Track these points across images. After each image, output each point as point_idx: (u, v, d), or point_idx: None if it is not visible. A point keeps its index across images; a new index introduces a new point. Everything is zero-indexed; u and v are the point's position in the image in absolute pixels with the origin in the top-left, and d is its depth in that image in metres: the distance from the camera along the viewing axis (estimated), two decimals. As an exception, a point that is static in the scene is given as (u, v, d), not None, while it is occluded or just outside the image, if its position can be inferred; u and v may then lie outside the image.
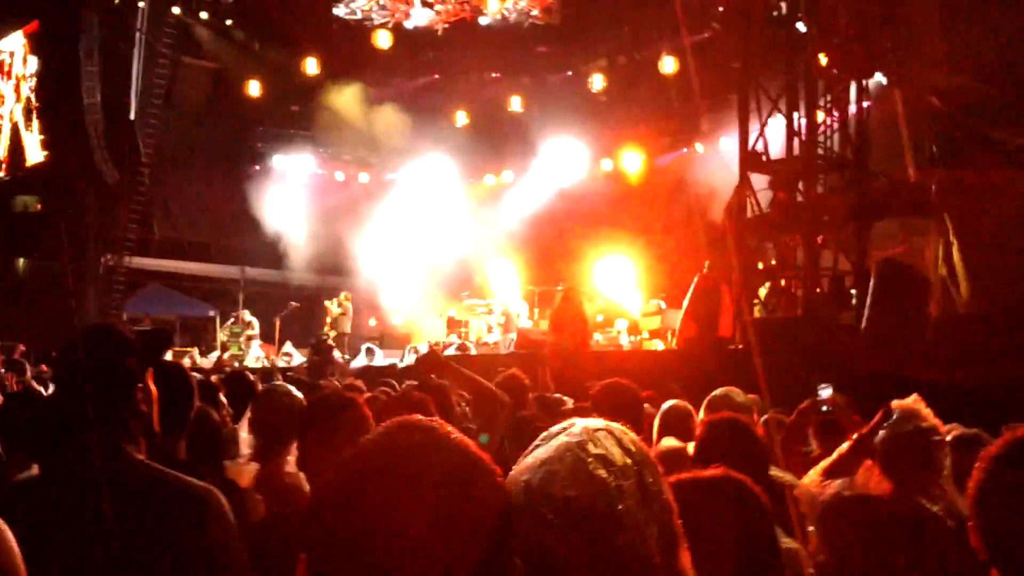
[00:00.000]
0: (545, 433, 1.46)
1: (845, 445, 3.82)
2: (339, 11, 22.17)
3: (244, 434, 3.69)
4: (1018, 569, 1.82)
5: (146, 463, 2.26)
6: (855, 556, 3.20)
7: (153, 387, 2.38)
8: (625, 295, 18.39)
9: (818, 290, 13.23)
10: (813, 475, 3.67)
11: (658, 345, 15.56)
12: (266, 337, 20.03)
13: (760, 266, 14.38)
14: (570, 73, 22.38)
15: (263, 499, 3.24)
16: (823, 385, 4.35)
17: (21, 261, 24.13)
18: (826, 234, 13.79)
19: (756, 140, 14.30)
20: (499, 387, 5.43)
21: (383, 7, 22.01)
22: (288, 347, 19.55)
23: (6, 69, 23.77)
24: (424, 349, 18.14)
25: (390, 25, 21.92)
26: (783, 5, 14.77)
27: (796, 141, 13.85)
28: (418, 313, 21.15)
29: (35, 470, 2.65)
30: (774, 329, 11.91)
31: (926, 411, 3.38)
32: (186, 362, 15.31)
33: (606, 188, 21.45)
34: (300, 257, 22.30)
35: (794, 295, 13.36)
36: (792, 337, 10.93)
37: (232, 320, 20.30)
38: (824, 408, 4.27)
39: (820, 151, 13.83)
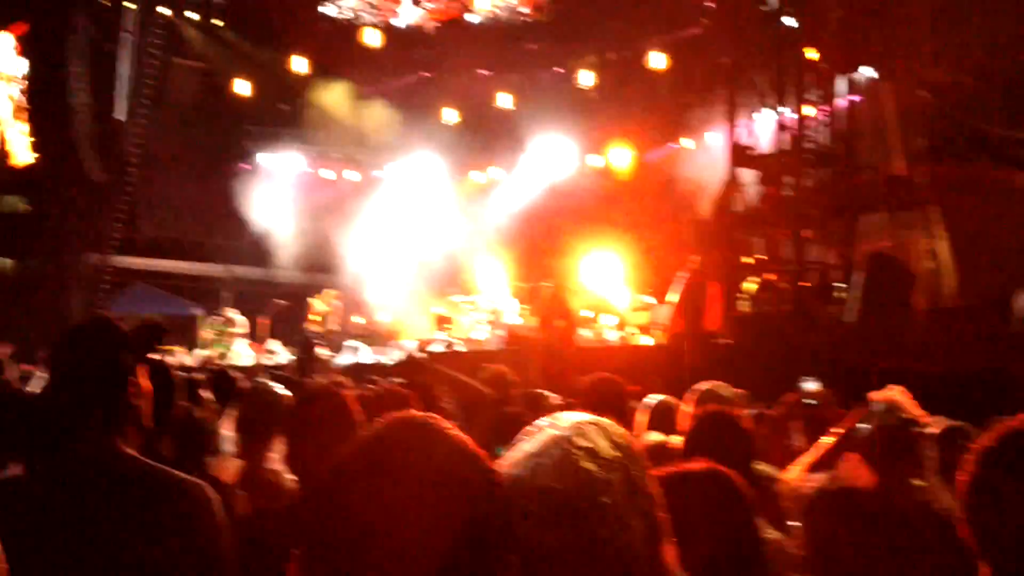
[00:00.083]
0: (531, 427, 1.46)
1: (828, 440, 3.82)
2: (328, 9, 22.12)
3: (227, 431, 3.69)
4: (1010, 562, 1.81)
5: (137, 458, 2.27)
6: (839, 550, 3.20)
7: (146, 382, 2.39)
8: (612, 291, 18.39)
9: (805, 284, 13.28)
10: (796, 470, 3.67)
11: (646, 340, 15.58)
12: (252, 335, 20.00)
13: (748, 260, 14.42)
14: (560, 70, 22.37)
15: (246, 495, 3.24)
16: (807, 378, 4.35)
17: (8, 262, 24.01)
18: (813, 228, 13.84)
19: (745, 135, 14.34)
20: (485, 383, 5.44)
21: (372, 5, 21.98)
22: (274, 345, 19.51)
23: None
24: (411, 346, 18.16)
25: (379, 23, 21.89)
26: (772, -1, 14.79)
27: (785, 135, 13.89)
28: (405, 310, 21.12)
29: (14, 469, 2.64)
30: (761, 323, 11.95)
31: (909, 403, 3.39)
32: (171, 360, 15.27)
33: (595, 184, 21.45)
34: (287, 255, 22.27)
35: (781, 290, 13.39)
36: (779, 331, 10.96)
37: (218, 318, 20.26)
38: (808, 401, 4.28)
39: (809, 145, 13.86)
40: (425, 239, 21.69)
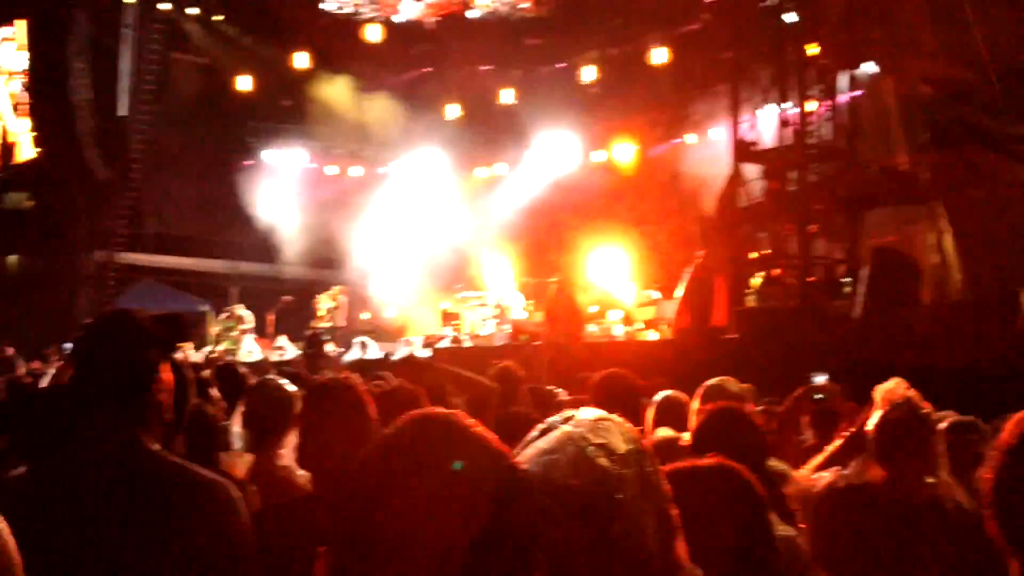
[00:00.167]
0: (544, 424, 1.46)
1: (837, 443, 3.83)
2: (329, 5, 22.10)
3: (236, 428, 3.69)
4: None
5: (162, 454, 2.26)
6: (849, 546, 3.21)
7: (168, 377, 2.36)
8: (619, 286, 18.40)
9: (811, 279, 13.28)
10: (805, 472, 3.67)
11: (652, 336, 15.58)
12: (259, 331, 20.00)
13: (753, 256, 14.42)
14: (561, 65, 22.33)
15: (257, 491, 3.25)
16: (816, 373, 4.35)
17: (12, 258, 24.05)
18: (819, 223, 13.84)
19: (748, 130, 14.33)
20: (492, 379, 5.45)
21: (373, 0, 21.95)
22: (282, 341, 19.52)
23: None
24: (418, 342, 18.17)
25: (380, 18, 21.86)
26: (774, -6, 14.77)
27: (788, 130, 13.88)
28: (411, 306, 21.14)
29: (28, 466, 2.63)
30: (768, 318, 11.95)
31: (917, 397, 3.39)
32: (179, 357, 15.27)
33: (599, 179, 21.43)
34: (293, 251, 22.27)
35: (788, 284, 13.39)
36: (786, 326, 10.96)
37: (225, 315, 20.26)
38: (818, 396, 4.27)
39: (812, 140, 13.86)
40: (431, 235, 21.69)
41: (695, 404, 4.27)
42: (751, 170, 14.52)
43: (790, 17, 14.38)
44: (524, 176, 22.59)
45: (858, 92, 14.33)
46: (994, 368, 8.27)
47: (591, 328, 15.82)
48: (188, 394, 3.05)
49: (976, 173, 12.56)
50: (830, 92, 14.02)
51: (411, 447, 1.11)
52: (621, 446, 1.39)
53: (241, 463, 3.37)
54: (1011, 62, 12.53)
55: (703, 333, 12.18)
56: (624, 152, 21.47)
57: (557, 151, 21.91)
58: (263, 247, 22.65)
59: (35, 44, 22.53)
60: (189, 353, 17.69)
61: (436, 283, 20.90)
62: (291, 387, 3.77)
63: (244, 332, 19.65)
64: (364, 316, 21.47)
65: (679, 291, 13.06)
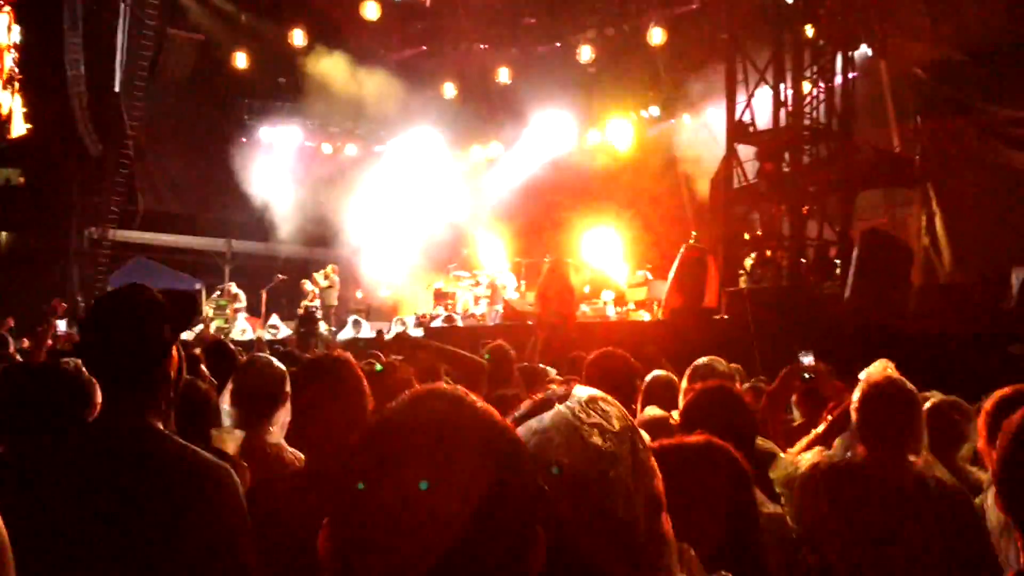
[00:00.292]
0: (535, 401, 1.47)
1: (821, 427, 3.87)
2: (325, -19, 21.96)
3: (225, 405, 3.68)
4: None
5: (166, 435, 2.21)
6: (834, 525, 3.25)
7: (176, 355, 2.31)
8: (612, 266, 18.44)
9: (803, 260, 13.31)
10: (792, 452, 3.71)
11: (644, 316, 15.62)
12: (252, 310, 20.00)
13: (746, 236, 14.44)
14: (558, 44, 22.27)
15: (248, 467, 3.26)
16: (804, 352, 4.37)
17: (3, 234, 23.96)
18: (811, 204, 13.86)
19: (743, 111, 14.32)
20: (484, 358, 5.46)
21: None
22: (274, 319, 19.54)
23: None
24: (411, 321, 18.19)
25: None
26: (770, -25, 14.72)
27: (783, 112, 13.88)
28: (405, 285, 21.16)
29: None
30: (760, 299, 11.98)
31: (902, 377, 3.42)
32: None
33: (593, 159, 21.43)
34: (287, 229, 22.25)
35: (780, 265, 13.43)
36: (777, 306, 10.99)
37: (218, 293, 20.25)
38: (805, 375, 4.30)
39: (806, 122, 13.86)
40: (425, 214, 21.68)
41: (683, 383, 4.30)
42: (746, 151, 14.52)
43: (786, -1, 14.36)
44: (519, 156, 22.57)
45: (853, 74, 14.32)
46: (982, 348, 8.32)
47: (583, 308, 15.86)
48: (181, 372, 3.06)
49: (967, 156, 12.59)
50: (825, 74, 14.02)
51: (415, 420, 1.12)
52: (614, 424, 1.41)
53: (232, 440, 3.37)
54: (1003, 45, 12.54)
55: (695, 314, 12.21)
56: (619, 132, 21.44)
57: (553, 131, 21.88)
58: (257, 225, 22.62)
59: (29, 18, 22.35)
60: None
61: (430, 262, 20.92)
62: (281, 365, 3.77)
63: (237, 311, 19.65)
64: (357, 295, 21.49)
65: (671, 272, 13.08)
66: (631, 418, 1.47)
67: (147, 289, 2.28)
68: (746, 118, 14.35)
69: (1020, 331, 8.82)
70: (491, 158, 23.83)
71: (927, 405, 3.81)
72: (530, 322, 12.87)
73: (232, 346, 5.65)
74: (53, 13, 21.00)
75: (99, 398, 2.45)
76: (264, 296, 19.96)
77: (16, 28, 22.35)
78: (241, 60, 22.01)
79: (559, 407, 1.41)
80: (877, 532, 3.19)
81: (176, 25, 22.38)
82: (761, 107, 14.31)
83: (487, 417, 1.14)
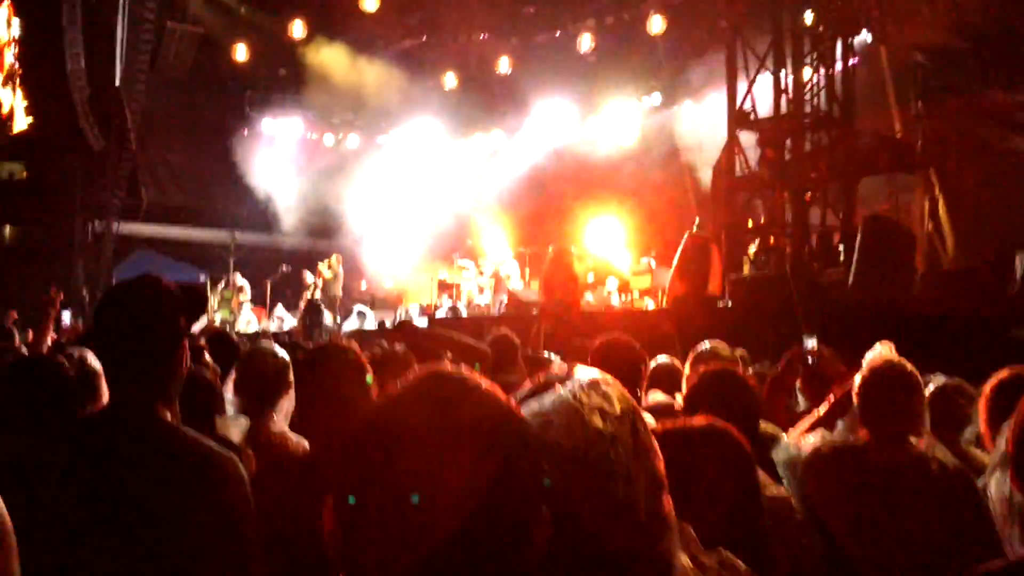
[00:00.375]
0: (536, 383, 1.47)
1: (822, 408, 3.87)
2: (323, -28, 21.91)
3: (228, 394, 3.69)
4: None
5: (173, 425, 2.21)
6: (836, 508, 3.25)
7: (187, 346, 2.29)
8: (615, 254, 18.42)
9: (806, 247, 13.30)
10: (794, 435, 3.71)
11: (649, 304, 15.62)
12: (257, 301, 20.02)
13: (749, 224, 14.44)
14: (558, 33, 22.21)
15: (253, 455, 3.26)
16: (807, 336, 4.38)
17: (7, 229, 23.98)
18: (814, 191, 13.84)
19: (744, 98, 14.30)
20: (489, 347, 5.47)
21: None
22: (280, 310, 19.55)
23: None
24: (415, 311, 18.21)
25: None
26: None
27: (784, 99, 13.86)
28: (409, 275, 21.16)
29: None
30: (763, 285, 11.98)
31: (903, 360, 3.42)
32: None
33: (595, 148, 21.40)
34: (290, 221, 22.26)
35: (783, 252, 13.42)
36: (781, 293, 10.99)
37: (223, 284, 20.26)
38: (809, 360, 4.30)
39: (807, 108, 13.85)
40: (428, 204, 21.67)
41: (687, 368, 4.31)
42: (747, 138, 14.51)
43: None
44: (521, 145, 22.54)
45: (853, 60, 14.29)
46: (986, 332, 8.32)
47: (588, 297, 15.86)
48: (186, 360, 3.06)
49: (969, 141, 12.55)
50: (825, 60, 13.99)
51: (421, 401, 1.12)
52: (616, 407, 1.41)
53: (236, 428, 3.38)
54: (1004, 30, 12.50)
55: (698, 301, 12.21)
56: (621, 120, 21.41)
57: (554, 120, 21.85)
58: (260, 217, 22.62)
59: (29, 12, 22.34)
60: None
61: (433, 252, 20.91)
62: (284, 353, 3.77)
63: (242, 302, 19.67)
64: (362, 286, 21.50)
65: (675, 259, 13.07)
66: (632, 400, 1.47)
67: (161, 280, 2.27)
68: (747, 105, 14.33)
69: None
70: (493, 147, 23.79)
71: (931, 388, 3.81)
72: (534, 311, 12.88)
73: (235, 336, 5.66)
74: (52, 7, 20.98)
75: (105, 388, 2.45)
76: (269, 287, 19.98)
77: (16, 22, 22.36)
78: (241, 52, 22.00)
79: (560, 389, 1.41)
80: (879, 514, 3.20)
81: (176, 18, 22.33)
82: (762, 94, 14.29)
83: (492, 398, 1.15)
